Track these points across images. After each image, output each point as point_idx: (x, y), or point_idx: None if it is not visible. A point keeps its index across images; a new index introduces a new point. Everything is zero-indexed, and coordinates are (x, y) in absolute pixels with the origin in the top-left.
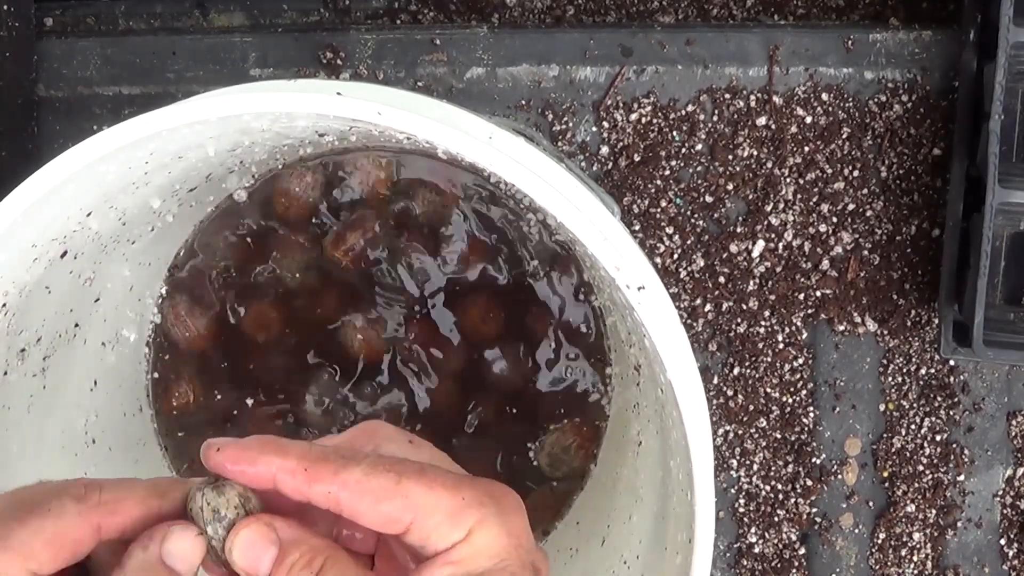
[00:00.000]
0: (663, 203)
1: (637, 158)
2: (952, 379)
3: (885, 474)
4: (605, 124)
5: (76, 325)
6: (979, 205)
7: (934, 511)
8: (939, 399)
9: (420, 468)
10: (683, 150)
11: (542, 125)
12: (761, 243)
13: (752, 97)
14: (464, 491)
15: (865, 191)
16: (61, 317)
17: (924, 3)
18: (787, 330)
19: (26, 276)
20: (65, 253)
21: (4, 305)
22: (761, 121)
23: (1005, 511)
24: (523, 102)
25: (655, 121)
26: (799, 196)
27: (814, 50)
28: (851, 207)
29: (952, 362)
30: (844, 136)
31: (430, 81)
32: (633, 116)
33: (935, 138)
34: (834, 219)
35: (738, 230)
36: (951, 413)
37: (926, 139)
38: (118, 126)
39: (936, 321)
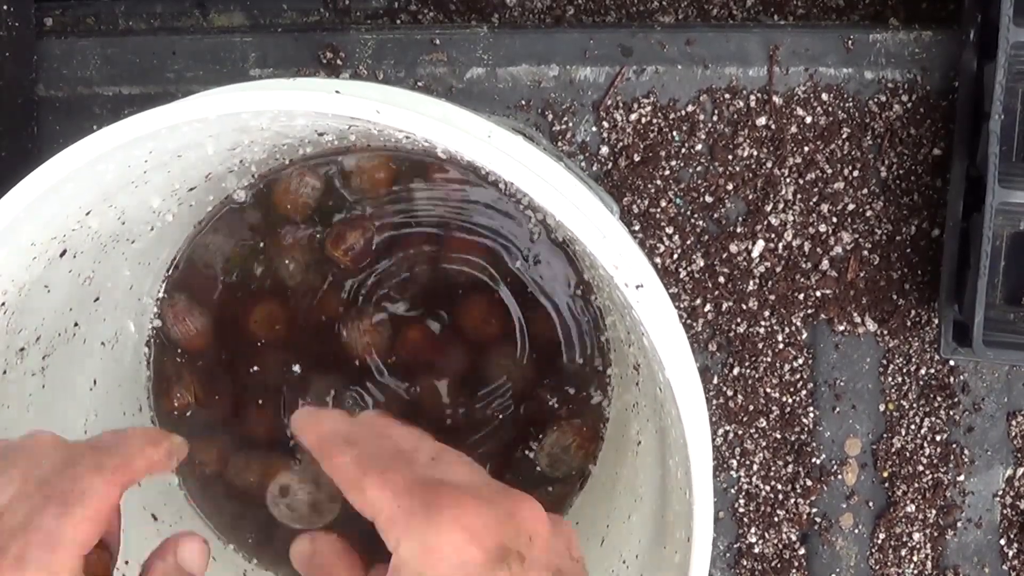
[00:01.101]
0: (663, 203)
1: (637, 158)
2: (952, 379)
3: (885, 474)
4: (605, 124)
5: (76, 324)
6: (979, 205)
7: (934, 511)
8: (939, 399)
9: (386, 468)
10: (683, 150)
11: (542, 125)
12: (761, 243)
13: (752, 97)
14: (404, 499)
15: (865, 191)
16: (60, 316)
17: (924, 3)
18: (787, 330)
19: (25, 275)
20: (64, 252)
21: (3, 304)
22: (761, 121)
23: (1005, 511)
24: (523, 102)
25: (655, 121)
26: (799, 196)
27: (814, 50)
28: (851, 207)
29: (952, 362)
30: (844, 136)
31: (430, 81)
32: (633, 116)
33: (935, 138)
34: (834, 219)
35: (738, 230)
36: (951, 413)
37: (926, 139)
38: (117, 124)
39: (936, 321)
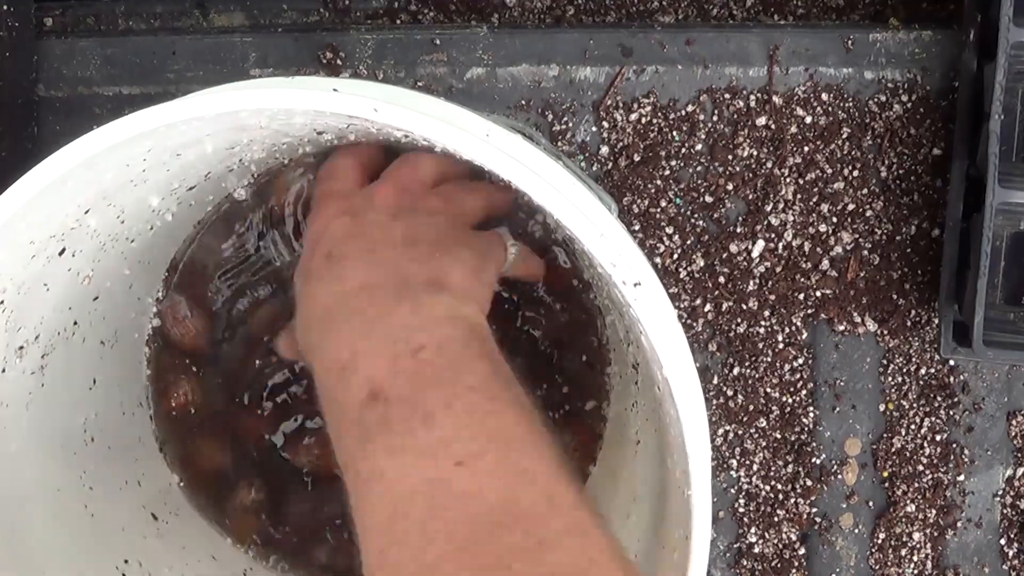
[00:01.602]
0: (663, 203)
1: (637, 158)
2: (952, 379)
3: (885, 474)
4: (605, 124)
5: (75, 323)
6: (979, 205)
7: (934, 511)
8: (939, 399)
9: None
10: (683, 150)
11: (542, 125)
12: (761, 243)
13: (752, 97)
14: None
15: (865, 191)
16: (60, 315)
17: (924, 3)
18: (787, 330)
19: (24, 273)
20: (63, 250)
21: (2, 302)
22: (761, 121)
23: (1005, 511)
24: (523, 102)
25: (655, 121)
26: (799, 196)
27: (814, 50)
28: (851, 207)
29: (952, 362)
30: (844, 136)
31: (430, 81)
32: (633, 116)
33: (935, 138)
34: (834, 219)
35: (738, 230)
36: (951, 413)
37: (926, 139)
38: (115, 122)
39: (936, 321)
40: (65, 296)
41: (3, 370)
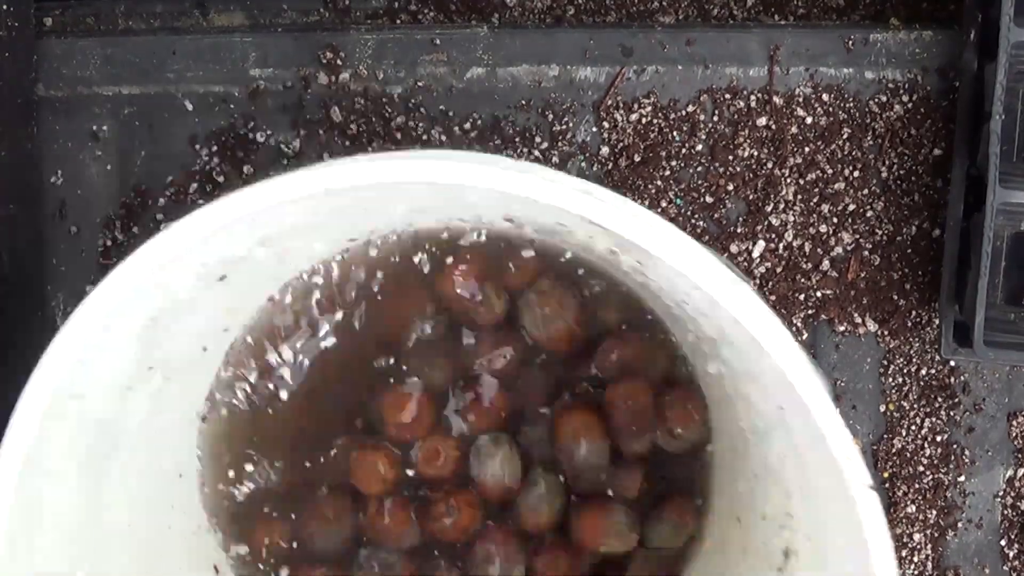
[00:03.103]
0: (663, 203)
1: (637, 158)
2: (953, 380)
3: (885, 475)
4: (605, 124)
5: (204, 349)
6: (980, 205)
7: (934, 512)
8: (940, 400)
9: None
10: (683, 150)
11: (542, 125)
12: (761, 243)
13: (752, 97)
14: None
15: (866, 191)
16: (192, 340)
17: (924, 3)
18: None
19: (185, 294)
20: (224, 276)
21: (155, 319)
22: (761, 121)
23: (1006, 512)
24: (523, 102)
25: (655, 121)
26: (799, 196)
27: (814, 50)
28: (851, 207)
29: (953, 363)
30: (845, 136)
31: (430, 81)
32: (633, 116)
33: (936, 138)
34: (834, 219)
35: (738, 230)
36: (952, 414)
37: (927, 139)
38: (337, 169)
39: (936, 322)
40: (205, 322)
41: (129, 387)
